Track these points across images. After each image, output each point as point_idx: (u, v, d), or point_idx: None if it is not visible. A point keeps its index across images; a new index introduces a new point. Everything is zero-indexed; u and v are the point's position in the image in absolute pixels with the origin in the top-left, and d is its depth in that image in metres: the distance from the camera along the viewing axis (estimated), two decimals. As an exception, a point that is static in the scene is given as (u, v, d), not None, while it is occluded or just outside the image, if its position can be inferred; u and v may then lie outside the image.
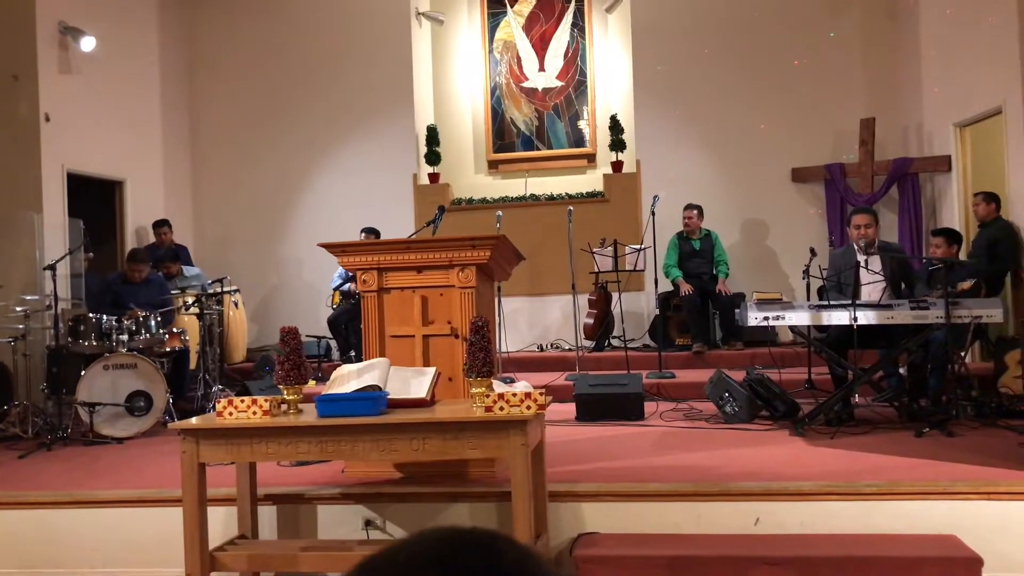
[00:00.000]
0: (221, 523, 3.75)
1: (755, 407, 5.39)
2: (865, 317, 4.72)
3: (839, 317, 4.78)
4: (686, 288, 7.55)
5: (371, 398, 3.29)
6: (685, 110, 8.69)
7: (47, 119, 7.57)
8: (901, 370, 5.61)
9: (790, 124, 8.48)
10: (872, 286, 5.31)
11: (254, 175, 9.38)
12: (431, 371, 3.61)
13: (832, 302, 4.93)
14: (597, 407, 5.62)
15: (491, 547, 0.63)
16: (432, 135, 9.21)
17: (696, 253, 7.88)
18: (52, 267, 6.05)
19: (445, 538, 0.64)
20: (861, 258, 5.36)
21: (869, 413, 5.26)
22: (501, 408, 3.19)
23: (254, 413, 3.30)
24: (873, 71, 8.41)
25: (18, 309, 6.33)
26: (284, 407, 3.40)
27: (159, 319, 6.35)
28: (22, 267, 7.30)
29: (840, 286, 5.36)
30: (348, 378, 3.49)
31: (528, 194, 9.07)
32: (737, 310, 5.67)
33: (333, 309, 8.15)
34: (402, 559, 0.62)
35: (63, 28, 7.74)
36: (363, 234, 7.96)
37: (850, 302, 4.80)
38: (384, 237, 7.66)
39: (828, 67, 8.45)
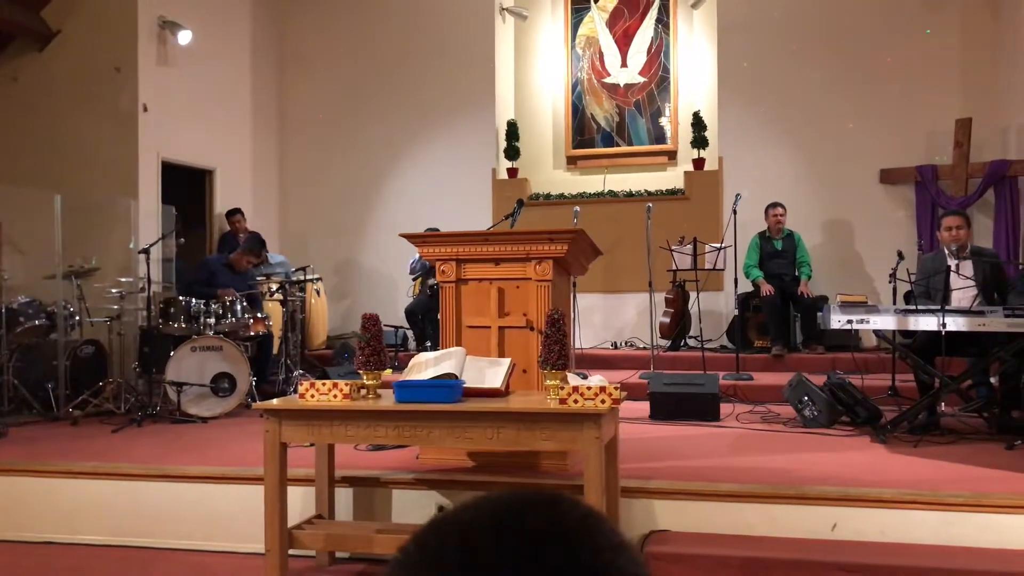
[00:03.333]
0: (299, 502, 3.86)
1: (835, 412, 5.26)
2: (954, 323, 4.54)
3: (927, 322, 4.62)
4: (767, 289, 7.41)
5: (448, 386, 3.34)
6: (770, 107, 8.52)
7: (145, 109, 7.89)
8: (992, 379, 5.39)
9: (880, 124, 8.23)
10: (962, 292, 5.12)
11: (338, 167, 9.59)
12: (506, 362, 3.63)
13: (920, 307, 4.77)
14: (672, 406, 5.56)
15: (553, 508, 0.64)
16: (512, 130, 9.25)
17: (778, 253, 7.72)
18: (146, 251, 6.31)
19: (508, 499, 0.65)
20: (952, 263, 5.17)
21: (956, 423, 5.08)
22: (575, 401, 3.20)
23: (335, 396, 3.39)
24: (971, 70, 8.09)
25: (114, 291, 6.64)
26: (363, 392, 3.47)
27: (245, 304, 6.55)
28: (118, 251, 7.63)
29: (929, 291, 5.18)
30: (425, 366, 3.55)
31: (607, 190, 9.03)
32: (819, 313, 5.54)
33: (412, 299, 8.27)
34: (467, 518, 0.63)
35: (162, 22, 8.06)
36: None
37: (939, 307, 4.64)
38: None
39: (922, 65, 8.17)
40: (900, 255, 6.41)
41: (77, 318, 6.70)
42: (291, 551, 3.48)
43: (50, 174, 7.70)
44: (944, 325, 4.52)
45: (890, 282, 6.34)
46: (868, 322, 4.74)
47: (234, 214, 8.59)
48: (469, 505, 0.65)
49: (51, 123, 7.97)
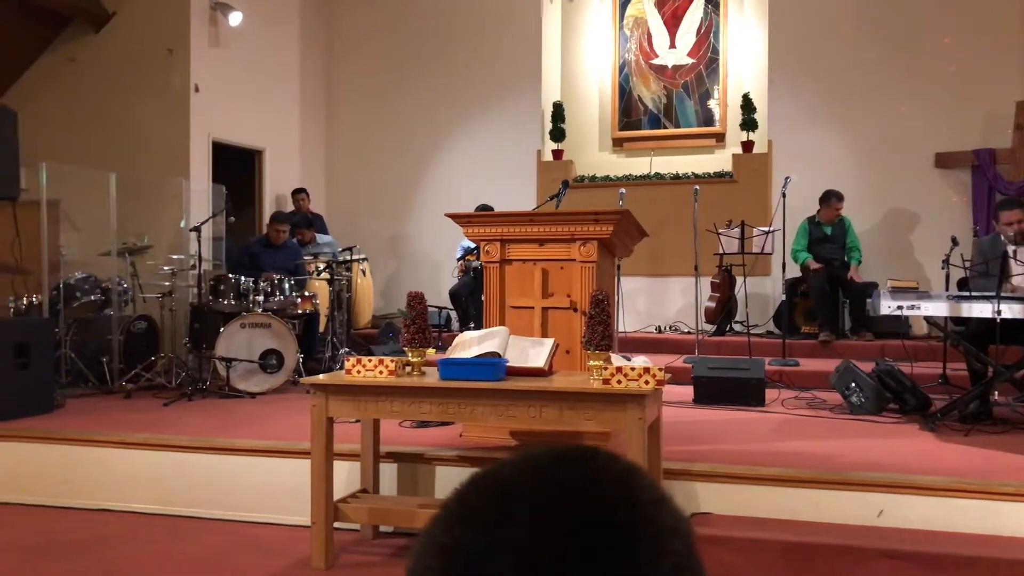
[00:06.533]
0: (344, 477, 3.93)
1: (883, 399, 5.18)
2: (1010, 310, 4.42)
3: (980, 309, 4.50)
4: (815, 266, 7.27)
5: (492, 364, 3.36)
6: (822, 89, 8.35)
7: (196, 90, 8.02)
8: (1048, 369, 5.25)
9: (936, 106, 8.02)
10: (1022, 277, 4.98)
11: (384, 148, 9.65)
12: (549, 342, 3.64)
13: (975, 293, 4.65)
14: (716, 390, 5.52)
15: (591, 462, 0.63)
16: (558, 112, 9.21)
17: (827, 239, 7.58)
18: (197, 229, 6.43)
19: (547, 456, 0.64)
20: (1010, 248, 5.03)
21: (1009, 413, 4.97)
22: (619, 381, 3.19)
23: (380, 372, 3.43)
24: (1033, 50, 7.84)
25: (165, 268, 6.79)
26: (408, 368, 3.51)
27: (292, 282, 6.64)
28: (169, 229, 7.79)
29: (988, 273, 5.04)
30: (469, 344, 3.58)
31: (653, 173, 8.96)
32: (869, 299, 5.43)
33: (457, 279, 8.31)
34: (506, 475, 0.63)
35: (214, 4, 8.18)
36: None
37: (993, 294, 4.52)
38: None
39: (981, 45, 7.92)
40: (954, 241, 6.26)
41: (130, 294, 6.87)
42: (336, 524, 3.54)
43: (105, 153, 7.87)
44: (999, 312, 4.41)
45: (943, 268, 6.20)
46: (919, 308, 4.63)
47: (299, 192, 8.78)
48: (510, 462, 0.65)
49: (106, 103, 8.15)
